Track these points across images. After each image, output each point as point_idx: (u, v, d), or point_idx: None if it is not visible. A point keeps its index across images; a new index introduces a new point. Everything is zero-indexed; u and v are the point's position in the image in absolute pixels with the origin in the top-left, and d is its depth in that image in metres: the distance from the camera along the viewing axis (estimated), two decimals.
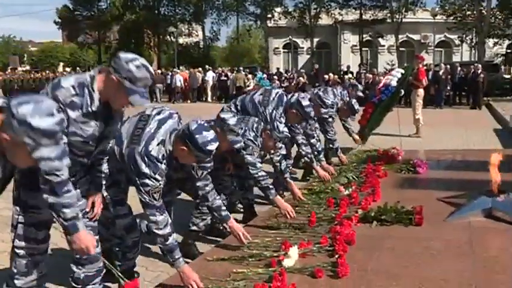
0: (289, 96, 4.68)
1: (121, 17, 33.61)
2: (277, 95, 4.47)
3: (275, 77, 21.67)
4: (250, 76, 20.45)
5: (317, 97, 5.22)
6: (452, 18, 25.54)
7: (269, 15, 30.68)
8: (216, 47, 37.24)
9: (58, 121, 1.69)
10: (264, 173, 3.64)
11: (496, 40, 25.11)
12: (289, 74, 21.83)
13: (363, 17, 28.52)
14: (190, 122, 2.53)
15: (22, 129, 1.62)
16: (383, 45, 30.36)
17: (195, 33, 34.58)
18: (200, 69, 22.09)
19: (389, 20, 27.75)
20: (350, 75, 20.44)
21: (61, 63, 43.53)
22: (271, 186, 3.61)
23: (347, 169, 5.25)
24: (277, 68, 24.98)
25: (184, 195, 3.61)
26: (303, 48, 31.40)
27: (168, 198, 3.58)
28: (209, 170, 2.74)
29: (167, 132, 2.60)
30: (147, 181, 2.47)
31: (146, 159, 2.48)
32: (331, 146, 5.85)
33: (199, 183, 2.91)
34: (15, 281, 2.22)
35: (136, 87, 2.17)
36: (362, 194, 4.10)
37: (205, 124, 2.57)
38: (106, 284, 2.92)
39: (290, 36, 30.37)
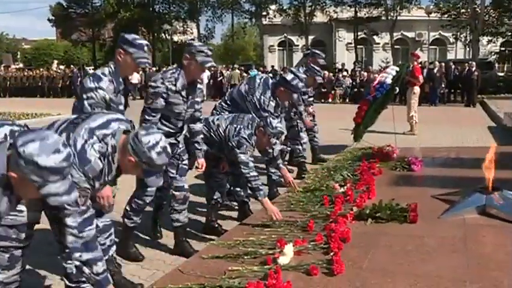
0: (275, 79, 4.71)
1: (115, 15, 33.40)
2: (262, 80, 4.46)
3: (270, 74, 21.64)
4: (245, 74, 20.44)
5: (308, 69, 5.44)
6: (446, 16, 25.65)
7: (264, 13, 30.66)
8: (210, 44, 37.14)
9: (65, 157, 1.68)
10: (255, 173, 3.64)
11: (490, 38, 25.24)
12: None
13: (358, 14, 28.55)
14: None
15: (29, 168, 1.62)
16: (378, 43, 30.45)
17: (189, 30, 34.49)
18: None
19: (383, 18, 27.82)
20: (345, 73, 20.50)
21: (55, 61, 43.19)
22: (261, 187, 3.61)
23: (342, 167, 5.26)
24: (272, 66, 24.96)
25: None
26: (298, 45, 31.42)
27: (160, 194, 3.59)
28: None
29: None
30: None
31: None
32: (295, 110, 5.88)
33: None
34: None
35: (154, 170, 2.16)
36: (357, 191, 4.10)
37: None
38: None
39: (285, 34, 30.40)
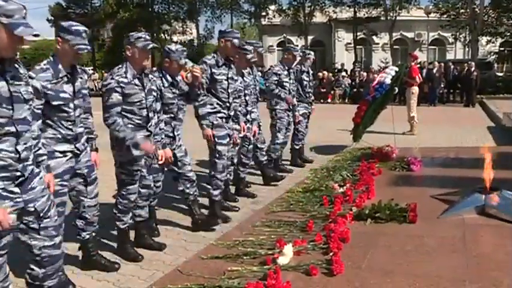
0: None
1: (114, 15, 33.36)
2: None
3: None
4: None
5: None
6: (445, 16, 25.62)
7: (263, 13, 30.60)
8: (210, 44, 37.03)
9: None
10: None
11: (489, 38, 25.20)
12: None
13: (357, 14, 28.51)
14: None
15: None
16: (377, 43, 30.41)
17: (188, 31, 34.42)
18: None
19: (383, 18, 27.78)
20: (344, 73, 20.49)
21: None
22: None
23: (341, 167, 5.26)
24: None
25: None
26: (297, 46, 31.34)
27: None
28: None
29: None
30: None
31: None
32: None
33: None
34: None
35: (16, 20, 2.07)
36: (356, 191, 4.10)
37: None
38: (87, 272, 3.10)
39: (284, 34, 30.37)
